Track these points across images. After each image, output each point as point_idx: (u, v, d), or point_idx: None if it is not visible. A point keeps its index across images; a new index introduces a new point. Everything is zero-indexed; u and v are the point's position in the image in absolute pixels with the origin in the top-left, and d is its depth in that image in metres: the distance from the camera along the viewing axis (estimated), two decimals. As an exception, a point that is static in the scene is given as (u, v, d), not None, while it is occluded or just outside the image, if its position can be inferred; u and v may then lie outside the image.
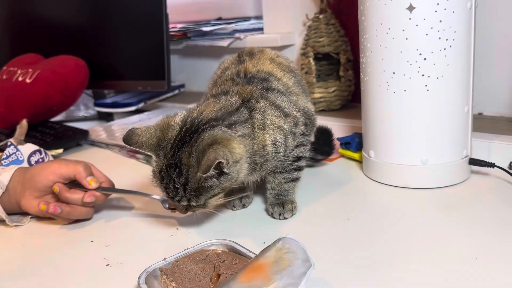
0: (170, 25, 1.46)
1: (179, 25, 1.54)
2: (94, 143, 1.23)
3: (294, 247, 0.51)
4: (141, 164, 1.06)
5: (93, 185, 0.74)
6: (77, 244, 0.71)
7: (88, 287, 0.59)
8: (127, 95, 1.52)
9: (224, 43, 1.35)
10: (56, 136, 1.19)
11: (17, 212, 0.79)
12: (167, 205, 0.74)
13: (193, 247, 0.61)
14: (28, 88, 1.21)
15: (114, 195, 0.84)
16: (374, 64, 0.79)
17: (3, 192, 0.76)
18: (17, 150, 0.94)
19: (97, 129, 1.33)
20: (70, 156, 1.14)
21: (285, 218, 0.73)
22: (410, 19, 0.73)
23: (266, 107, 0.69)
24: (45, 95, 1.21)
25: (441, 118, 0.78)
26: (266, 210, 0.76)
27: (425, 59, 0.74)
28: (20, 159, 0.94)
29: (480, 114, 1.04)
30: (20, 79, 1.25)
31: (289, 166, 0.74)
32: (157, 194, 0.73)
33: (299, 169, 0.76)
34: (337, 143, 0.97)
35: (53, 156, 1.05)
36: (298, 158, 0.74)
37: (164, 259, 0.58)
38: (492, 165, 0.81)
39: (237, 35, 1.35)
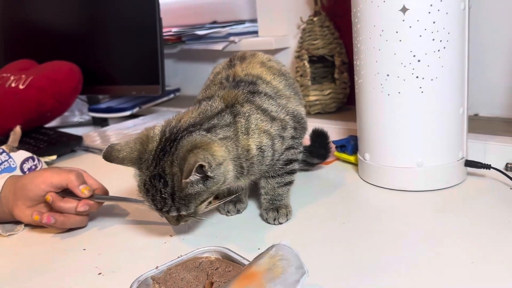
0: (165, 29, 1.46)
1: (174, 29, 1.53)
2: (88, 149, 1.22)
3: (287, 254, 0.50)
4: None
5: (86, 193, 0.73)
6: (69, 253, 0.70)
7: (79, 296, 0.59)
8: (122, 100, 1.52)
9: (219, 46, 1.35)
10: (50, 143, 1.18)
11: (10, 220, 0.78)
12: None
13: (186, 254, 0.60)
14: (21, 94, 1.20)
15: (108, 202, 0.83)
16: (368, 66, 0.79)
17: None
18: (9, 157, 0.93)
19: (91, 135, 1.33)
20: (64, 163, 1.14)
21: (280, 223, 0.72)
22: (403, 20, 0.73)
23: (252, 111, 0.68)
24: (39, 101, 1.20)
25: (436, 120, 0.77)
26: (261, 215, 0.75)
27: (419, 60, 0.74)
28: (13, 166, 0.93)
29: (476, 115, 1.04)
30: (13, 85, 1.24)
31: (280, 170, 0.73)
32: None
33: (292, 172, 0.75)
34: (332, 146, 0.96)
35: (46, 163, 1.04)
36: (289, 161, 0.74)
37: (156, 267, 0.57)
38: (488, 166, 0.81)
39: (231, 38, 1.34)
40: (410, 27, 0.73)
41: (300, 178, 0.82)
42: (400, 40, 0.74)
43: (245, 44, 1.33)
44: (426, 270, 0.57)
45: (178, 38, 1.47)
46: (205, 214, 0.67)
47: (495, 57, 0.99)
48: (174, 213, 0.63)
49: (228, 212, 0.77)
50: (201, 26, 1.50)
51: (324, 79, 1.23)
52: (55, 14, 1.47)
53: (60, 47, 1.45)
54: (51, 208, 0.75)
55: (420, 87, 0.75)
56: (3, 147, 0.96)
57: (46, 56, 1.33)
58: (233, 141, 0.66)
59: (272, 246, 0.52)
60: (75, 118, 1.60)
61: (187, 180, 0.60)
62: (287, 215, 0.73)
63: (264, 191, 0.75)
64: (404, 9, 0.72)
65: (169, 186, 0.61)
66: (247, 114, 0.68)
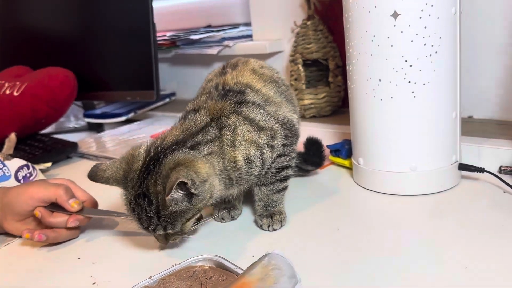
0: (159, 33, 1.46)
1: (169, 33, 1.53)
2: (83, 156, 1.22)
3: (280, 263, 0.50)
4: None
5: (76, 207, 0.73)
6: (64, 262, 0.70)
7: (74, 307, 0.59)
8: (117, 105, 1.51)
9: (213, 51, 1.35)
10: (45, 149, 1.18)
11: (1, 232, 0.78)
12: None
13: (179, 263, 0.60)
14: (15, 101, 1.20)
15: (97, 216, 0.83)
16: (360, 71, 0.79)
17: None
18: (4, 165, 0.93)
19: (87, 141, 1.33)
20: (59, 170, 1.14)
21: (274, 230, 0.72)
22: (394, 26, 0.73)
23: (238, 123, 0.68)
24: (33, 108, 1.20)
25: (429, 124, 0.77)
26: (255, 221, 0.75)
27: (411, 65, 0.74)
28: (7, 174, 0.93)
29: (470, 117, 1.04)
30: (7, 92, 1.24)
31: (273, 177, 0.73)
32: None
33: (284, 179, 0.75)
34: (327, 151, 0.96)
35: (41, 170, 1.04)
36: (281, 168, 0.73)
37: (150, 277, 0.57)
38: (481, 170, 0.81)
39: (226, 42, 1.34)
40: (402, 32, 0.73)
41: (294, 182, 0.82)
42: (392, 45, 0.74)
43: (239, 48, 1.33)
44: (420, 275, 0.57)
45: (173, 43, 1.47)
46: (192, 232, 0.66)
47: (489, 59, 0.99)
48: (160, 232, 0.63)
49: (223, 219, 0.77)
50: (196, 30, 1.50)
51: (318, 83, 1.24)
52: (49, 20, 1.47)
53: (54, 54, 1.44)
54: (40, 221, 0.74)
55: (413, 92, 0.75)
56: (-3, 155, 0.96)
57: (41, 63, 1.33)
58: (219, 155, 0.65)
59: (265, 255, 0.52)
60: (70, 124, 1.60)
61: (170, 197, 0.60)
62: (281, 221, 0.73)
63: (258, 197, 0.75)
64: (395, 15, 0.73)
65: (154, 205, 0.61)
66: (233, 126, 0.67)
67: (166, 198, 0.60)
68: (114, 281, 0.63)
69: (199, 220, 0.69)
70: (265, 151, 0.69)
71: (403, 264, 0.60)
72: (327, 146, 0.97)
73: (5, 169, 0.93)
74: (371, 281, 0.57)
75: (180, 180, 0.58)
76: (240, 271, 0.56)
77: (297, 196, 0.84)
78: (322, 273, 0.59)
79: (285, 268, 0.50)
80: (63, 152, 1.20)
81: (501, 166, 0.84)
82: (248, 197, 0.80)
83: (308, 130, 0.99)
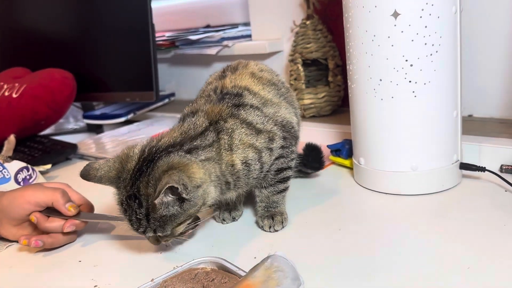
0: (158, 34, 1.46)
1: (168, 34, 1.53)
2: (83, 157, 1.22)
3: (283, 265, 0.50)
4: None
5: (73, 211, 0.72)
6: (65, 264, 0.69)
7: (75, 310, 0.58)
8: (116, 106, 1.51)
9: (213, 51, 1.34)
10: (44, 151, 1.17)
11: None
12: None
13: (181, 266, 0.60)
14: (15, 102, 1.20)
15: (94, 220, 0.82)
16: (361, 71, 0.79)
17: None
18: (3, 168, 0.93)
19: (86, 142, 1.32)
20: (59, 171, 1.13)
21: (276, 231, 0.72)
22: (395, 25, 0.73)
23: (236, 126, 0.67)
24: (33, 109, 1.20)
25: (429, 124, 0.77)
26: (256, 222, 0.75)
27: (411, 65, 0.74)
28: (7, 177, 0.92)
29: (470, 115, 1.04)
30: (6, 94, 1.23)
31: (273, 179, 0.73)
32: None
33: (284, 180, 0.74)
34: (326, 155, 0.95)
35: (41, 172, 1.04)
36: (281, 170, 0.73)
37: (152, 280, 0.57)
38: (483, 169, 0.81)
39: (225, 43, 1.34)
40: (402, 31, 0.73)
41: (295, 183, 0.82)
42: (392, 45, 0.74)
43: (238, 48, 1.32)
44: (422, 274, 0.57)
45: (172, 43, 1.46)
46: (189, 235, 0.66)
47: (489, 57, 0.99)
48: (150, 234, 0.63)
49: (224, 220, 0.77)
50: (195, 30, 1.49)
51: (318, 82, 1.23)
52: (48, 21, 1.46)
53: (53, 55, 1.44)
54: (36, 227, 0.74)
55: (413, 92, 0.75)
56: (-3, 157, 0.96)
57: (40, 64, 1.32)
58: (216, 161, 0.65)
59: (268, 257, 0.51)
60: (70, 125, 1.60)
61: (159, 201, 0.59)
62: (282, 222, 0.73)
63: (259, 199, 0.75)
64: (395, 14, 0.72)
65: (144, 207, 0.61)
66: (230, 130, 0.67)
67: (155, 202, 0.59)
68: (116, 283, 0.63)
69: (196, 221, 0.69)
70: (264, 154, 0.69)
71: (404, 263, 0.60)
72: (327, 146, 0.96)
73: (4, 172, 0.93)
74: (372, 279, 0.57)
75: (171, 184, 0.57)
76: (242, 273, 0.55)
77: (298, 196, 0.83)
78: (324, 274, 0.59)
79: (288, 270, 0.50)
80: (62, 153, 1.20)
81: (502, 165, 0.84)
82: (249, 198, 0.79)
83: (308, 130, 0.99)
